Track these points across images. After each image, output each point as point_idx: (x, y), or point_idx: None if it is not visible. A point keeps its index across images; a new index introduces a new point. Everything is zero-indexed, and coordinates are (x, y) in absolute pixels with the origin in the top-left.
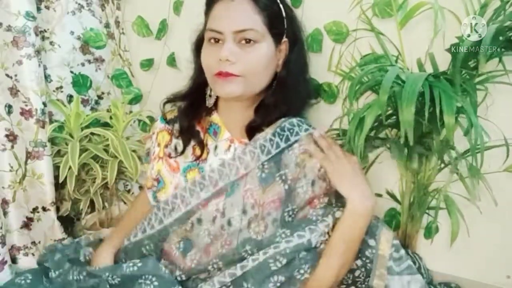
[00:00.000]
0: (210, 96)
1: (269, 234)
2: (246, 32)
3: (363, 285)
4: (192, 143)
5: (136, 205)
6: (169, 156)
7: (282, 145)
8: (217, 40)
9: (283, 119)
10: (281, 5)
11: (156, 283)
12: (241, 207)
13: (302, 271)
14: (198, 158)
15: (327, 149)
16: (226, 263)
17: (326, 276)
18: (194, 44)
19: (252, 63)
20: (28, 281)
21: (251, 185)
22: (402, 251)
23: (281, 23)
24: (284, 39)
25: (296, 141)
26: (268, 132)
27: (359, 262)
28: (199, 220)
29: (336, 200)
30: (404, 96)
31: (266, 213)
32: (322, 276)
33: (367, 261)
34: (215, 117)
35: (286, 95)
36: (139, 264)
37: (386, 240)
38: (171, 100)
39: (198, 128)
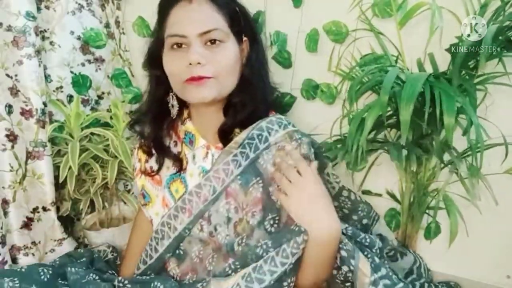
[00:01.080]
0: (172, 106)
1: (255, 241)
2: (211, 33)
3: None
4: (168, 161)
5: (136, 229)
6: (149, 174)
7: (251, 155)
8: (180, 45)
9: (256, 123)
10: (237, 2)
11: None
12: (226, 214)
13: (290, 283)
14: (179, 171)
15: (284, 171)
16: (218, 270)
17: (304, 284)
18: (147, 56)
19: (222, 62)
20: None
21: (233, 190)
22: (381, 285)
23: (239, 21)
24: (244, 38)
25: (266, 148)
26: (241, 137)
27: (345, 268)
28: (189, 229)
29: None
30: (404, 96)
31: (250, 216)
32: (301, 284)
33: (350, 270)
34: (188, 125)
35: (252, 93)
36: (152, 275)
37: (363, 274)
38: (135, 121)
39: (175, 138)
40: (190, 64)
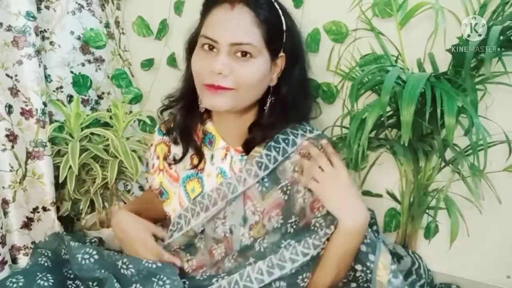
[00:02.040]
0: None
1: (270, 243)
2: (243, 46)
3: (365, 285)
4: (191, 152)
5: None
6: (169, 165)
7: (280, 158)
8: (211, 47)
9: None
10: (282, 18)
11: (168, 287)
12: (242, 214)
13: (305, 278)
14: (195, 166)
15: (316, 160)
16: (229, 269)
17: (321, 283)
18: (187, 44)
19: (245, 77)
20: (20, 283)
21: (251, 193)
22: (400, 277)
23: (280, 37)
24: (281, 53)
25: (293, 151)
26: (262, 145)
27: (358, 267)
28: (202, 231)
29: None
30: (405, 96)
31: (266, 220)
32: (318, 283)
33: (367, 270)
34: (209, 126)
35: (285, 114)
36: (159, 264)
37: (383, 266)
38: (167, 107)
39: (194, 137)
40: (212, 71)
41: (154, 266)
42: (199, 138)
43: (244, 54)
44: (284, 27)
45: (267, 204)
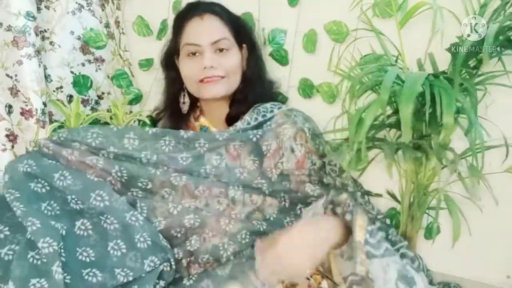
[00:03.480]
0: (184, 103)
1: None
2: (220, 42)
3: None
4: None
5: None
6: None
7: (260, 118)
8: (194, 53)
9: (256, 104)
10: (239, 18)
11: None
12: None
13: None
14: None
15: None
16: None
17: None
18: (163, 60)
19: (230, 65)
20: None
21: (243, 162)
22: (379, 236)
23: (241, 32)
24: (244, 45)
25: (272, 117)
26: (245, 117)
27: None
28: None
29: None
30: (404, 93)
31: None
32: None
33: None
34: (202, 120)
35: (253, 90)
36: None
37: (360, 227)
38: (157, 119)
39: None
40: (205, 68)
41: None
42: None
43: (222, 49)
44: (240, 24)
45: (260, 167)
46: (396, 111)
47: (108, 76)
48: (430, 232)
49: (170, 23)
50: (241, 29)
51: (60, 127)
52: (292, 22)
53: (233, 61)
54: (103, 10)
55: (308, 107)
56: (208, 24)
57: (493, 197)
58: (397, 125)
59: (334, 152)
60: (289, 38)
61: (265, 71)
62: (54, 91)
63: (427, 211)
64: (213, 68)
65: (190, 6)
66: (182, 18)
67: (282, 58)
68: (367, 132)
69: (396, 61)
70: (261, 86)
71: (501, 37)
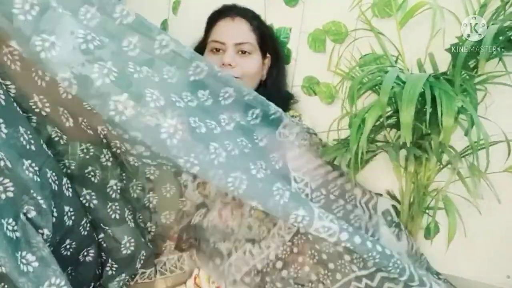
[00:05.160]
0: None
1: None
2: (243, 45)
3: None
4: None
5: None
6: None
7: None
8: (218, 50)
9: None
10: (268, 27)
11: None
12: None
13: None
14: None
15: None
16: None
17: None
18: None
19: (248, 68)
20: None
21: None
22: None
23: (267, 42)
24: (268, 55)
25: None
26: None
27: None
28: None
29: None
30: (405, 97)
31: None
32: None
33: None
34: None
35: (267, 98)
36: None
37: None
38: None
39: None
40: (223, 64)
41: None
42: None
43: (244, 52)
44: (268, 34)
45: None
46: (396, 111)
47: None
48: (430, 232)
49: (170, 23)
50: (267, 39)
51: None
52: (296, 23)
53: (252, 64)
54: None
55: (308, 107)
56: (237, 26)
57: (495, 196)
58: (397, 125)
59: (334, 152)
60: (293, 39)
61: (284, 83)
62: None
63: (426, 211)
64: (231, 66)
65: (225, 8)
66: (215, 17)
67: (286, 58)
68: (368, 134)
69: (396, 61)
70: (277, 96)
71: (501, 38)
